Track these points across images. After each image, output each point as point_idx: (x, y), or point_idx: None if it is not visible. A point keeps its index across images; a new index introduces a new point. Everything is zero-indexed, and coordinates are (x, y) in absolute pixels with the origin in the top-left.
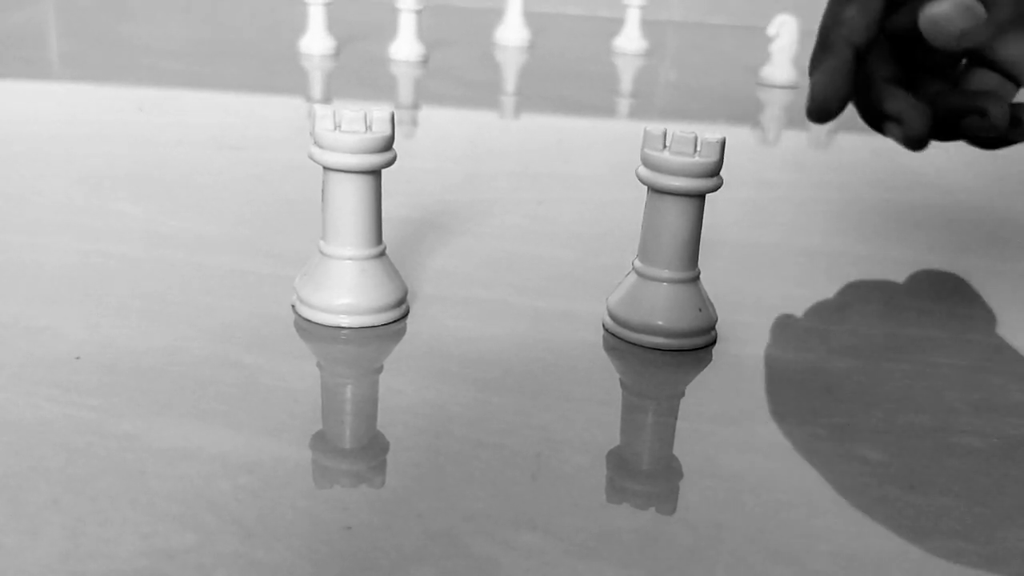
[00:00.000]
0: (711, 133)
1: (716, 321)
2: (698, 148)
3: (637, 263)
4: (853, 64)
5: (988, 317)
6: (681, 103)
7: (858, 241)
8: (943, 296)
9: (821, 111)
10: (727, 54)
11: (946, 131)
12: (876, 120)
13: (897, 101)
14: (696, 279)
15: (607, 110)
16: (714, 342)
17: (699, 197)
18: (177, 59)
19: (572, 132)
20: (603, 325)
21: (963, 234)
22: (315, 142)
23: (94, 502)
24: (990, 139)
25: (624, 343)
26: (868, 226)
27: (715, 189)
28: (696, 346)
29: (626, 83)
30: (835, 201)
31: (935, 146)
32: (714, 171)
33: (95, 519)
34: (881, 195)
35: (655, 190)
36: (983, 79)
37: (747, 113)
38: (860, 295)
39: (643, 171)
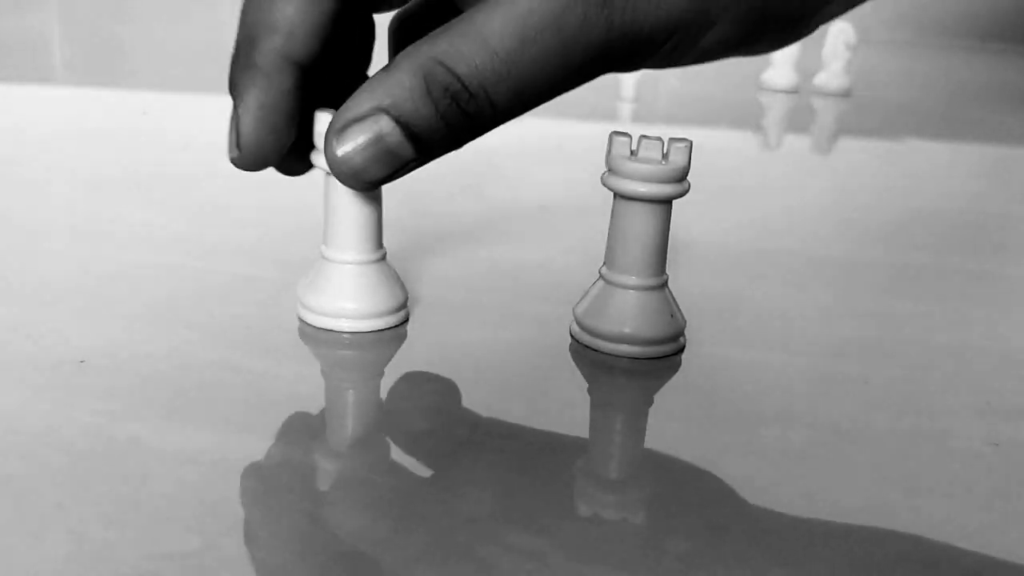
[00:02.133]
0: (679, 137)
1: (684, 327)
2: (665, 153)
3: (604, 270)
4: (294, 92)
5: (990, 320)
6: (682, 108)
7: (862, 246)
8: (946, 299)
9: (254, 160)
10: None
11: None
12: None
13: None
14: (664, 285)
15: (609, 115)
16: (682, 349)
17: (667, 203)
18: (179, 64)
19: (573, 137)
20: (570, 333)
21: (966, 238)
22: (317, 148)
23: (98, 505)
24: None
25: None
26: (869, 230)
27: (682, 195)
28: (665, 353)
29: (628, 88)
30: (836, 205)
31: (940, 150)
32: (681, 176)
33: (99, 523)
34: (882, 199)
35: (622, 196)
36: None
37: (749, 117)
38: (862, 298)
39: (608, 177)
